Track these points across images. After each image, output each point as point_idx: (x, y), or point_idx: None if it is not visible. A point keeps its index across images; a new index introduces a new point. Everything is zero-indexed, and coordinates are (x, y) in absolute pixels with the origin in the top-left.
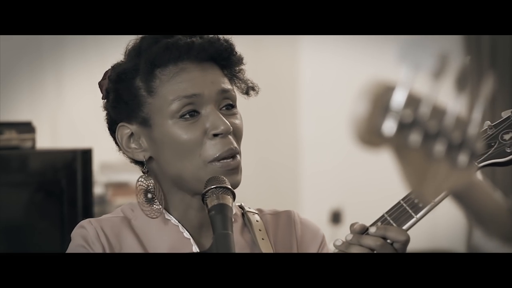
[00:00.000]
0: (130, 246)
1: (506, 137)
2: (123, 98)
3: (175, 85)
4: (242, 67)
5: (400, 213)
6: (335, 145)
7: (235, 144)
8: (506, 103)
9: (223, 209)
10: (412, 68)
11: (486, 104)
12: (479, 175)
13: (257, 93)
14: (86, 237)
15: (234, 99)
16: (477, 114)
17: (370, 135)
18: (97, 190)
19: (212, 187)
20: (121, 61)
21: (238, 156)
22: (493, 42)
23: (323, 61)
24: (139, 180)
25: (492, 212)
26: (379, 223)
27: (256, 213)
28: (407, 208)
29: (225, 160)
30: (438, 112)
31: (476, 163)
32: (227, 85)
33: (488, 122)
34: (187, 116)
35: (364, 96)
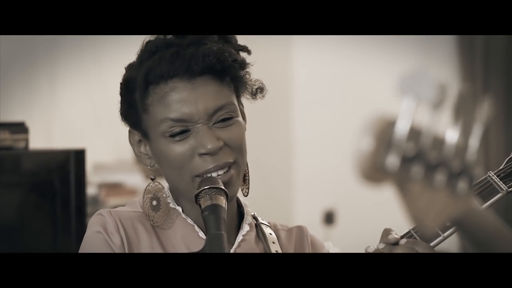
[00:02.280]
0: (149, 242)
1: None
2: (128, 106)
3: (165, 107)
4: (245, 71)
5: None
6: (328, 146)
7: (228, 159)
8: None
9: (216, 209)
10: (412, 101)
11: (483, 130)
12: (476, 202)
13: (264, 95)
14: (106, 226)
15: (232, 110)
16: (474, 141)
17: (373, 171)
18: (90, 190)
19: (206, 187)
20: (132, 63)
21: (231, 169)
22: (487, 68)
23: (317, 62)
24: (148, 186)
25: (491, 237)
26: (405, 239)
27: (269, 226)
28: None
29: (214, 174)
30: (438, 143)
31: (506, 188)
32: (221, 100)
33: None
34: (176, 137)
35: (367, 132)
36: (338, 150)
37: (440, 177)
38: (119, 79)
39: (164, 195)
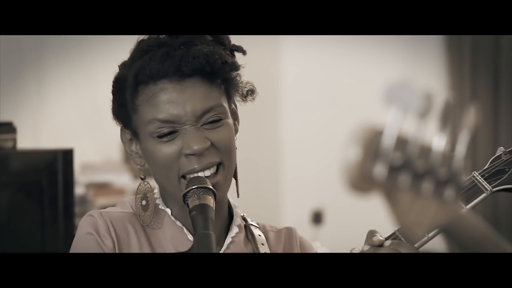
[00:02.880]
0: (138, 243)
1: None
2: (118, 105)
3: (153, 107)
4: (236, 73)
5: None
6: (316, 146)
7: (213, 159)
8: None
9: (204, 209)
10: (399, 110)
11: (469, 137)
12: (463, 208)
13: (254, 98)
14: (97, 228)
15: (221, 112)
16: (461, 148)
17: (361, 181)
18: (78, 190)
19: (193, 187)
20: (125, 61)
21: (218, 171)
22: (474, 71)
23: (307, 62)
24: (139, 186)
25: (479, 243)
26: (390, 240)
27: (258, 228)
28: None
29: (200, 174)
30: (425, 151)
31: (491, 188)
32: (210, 102)
33: (502, 148)
34: (164, 138)
35: (354, 142)
36: (326, 151)
37: (427, 185)
38: (106, 79)
39: (154, 195)
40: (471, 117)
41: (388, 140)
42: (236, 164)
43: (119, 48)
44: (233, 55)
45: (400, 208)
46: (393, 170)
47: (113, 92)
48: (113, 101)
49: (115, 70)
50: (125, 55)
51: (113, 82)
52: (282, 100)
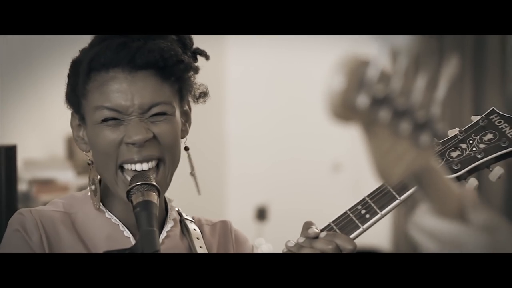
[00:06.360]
0: (70, 242)
1: (453, 154)
2: (71, 89)
3: (102, 95)
4: (191, 73)
5: (347, 223)
6: (261, 143)
7: (152, 152)
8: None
9: (148, 206)
10: (385, 44)
11: (448, 86)
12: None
13: (206, 101)
14: (24, 224)
15: (168, 109)
16: (440, 94)
17: (343, 109)
18: (21, 187)
19: (137, 183)
20: (84, 47)
21: (159, 167)
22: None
23: (249, 60)
24: (89, 171)
25: (444, 196)
26: (325, 232)
27: (193, 222)
28: (353, 218)
29: (138, 167)
30: (406, 90)
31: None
32: (158, 97)
33: (457, 129)
34: (109, 124)
35: (339, 70)
36: (271, 148)
37: (405, 125)
38: (50, 74)
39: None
40: (452, 65)
41: (373, 72)
42: (179, 160)
43: (63, 47)
44: (195, 58)
45: (377, 143)
46: (375, 102)
47: (68, 75)
48: (67, 84)
49: (59, 65)
50: (68, 53)
51: (70, 65)
52: (226, 98)
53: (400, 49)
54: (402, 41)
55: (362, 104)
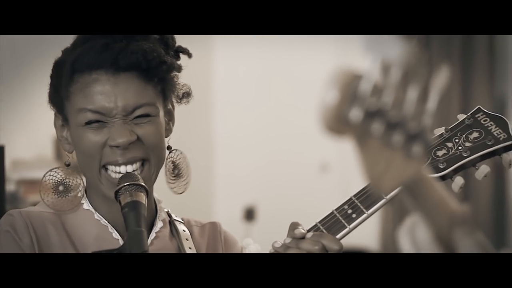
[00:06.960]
0: (60, 243)
1: (439, 153)
2: (54, 90)
3: (85, 97)
4: (174, 74)
5: (333, 223)
6: (249, 144)
7: (136, 153)
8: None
9: (136, 206)
10: (377, 58)
11: (439, 96)
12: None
13: (189, 101)
14: (15, 225)
15: (151, 110)
16: (431, 105)
17: (337, 123)
18: (9, 187)
19: (125, 184)
20: (67, 47)
21: (144, 168)
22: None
23: (237, 60)
24: (48, 174)
25: (435, 206)
26: (311, 232)
27: (183, 223)
28: (340, 218)
29: (122, 169)
30: (398, 102)
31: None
32: (142, 99)
33: (443, 128)
34: (92, 126)
35: (332, 84)
36: (259, 148)
37: (398, 137)
38: (38, 74)
39: (79, 194)
40: (442, 76)
41: (366, 85)
42: (164, 159)
43: (50, 48)
44: (178, 57)
45: (370, 155)
46: (368, 115)
47: (51, 76)
48: (50, 85)
49: (47, 65)
50: (56, 53)
51: (53, 66)
52: (214, 99)
53: (392, 61)
54: (393, 53)
55: (355, 117)
